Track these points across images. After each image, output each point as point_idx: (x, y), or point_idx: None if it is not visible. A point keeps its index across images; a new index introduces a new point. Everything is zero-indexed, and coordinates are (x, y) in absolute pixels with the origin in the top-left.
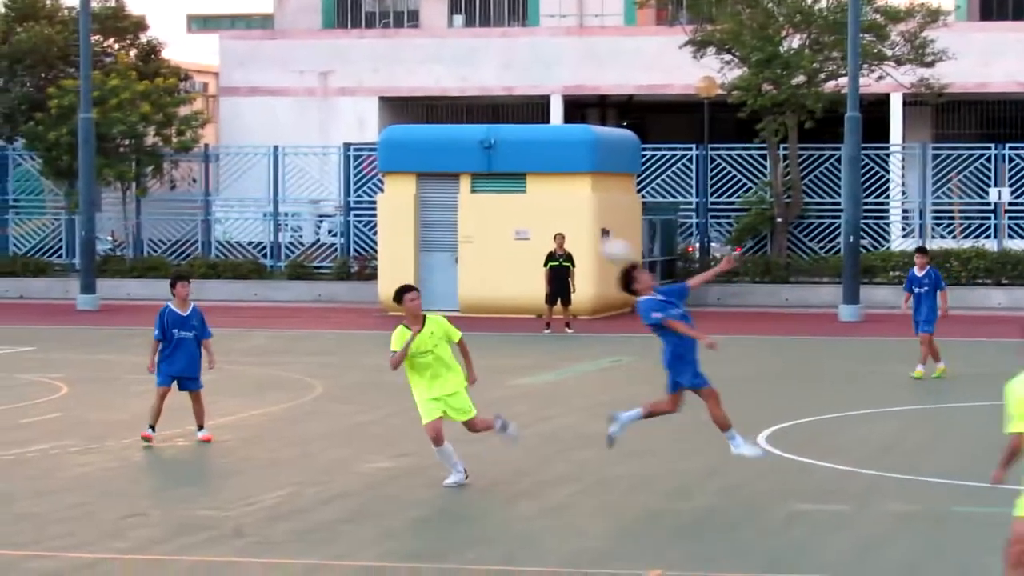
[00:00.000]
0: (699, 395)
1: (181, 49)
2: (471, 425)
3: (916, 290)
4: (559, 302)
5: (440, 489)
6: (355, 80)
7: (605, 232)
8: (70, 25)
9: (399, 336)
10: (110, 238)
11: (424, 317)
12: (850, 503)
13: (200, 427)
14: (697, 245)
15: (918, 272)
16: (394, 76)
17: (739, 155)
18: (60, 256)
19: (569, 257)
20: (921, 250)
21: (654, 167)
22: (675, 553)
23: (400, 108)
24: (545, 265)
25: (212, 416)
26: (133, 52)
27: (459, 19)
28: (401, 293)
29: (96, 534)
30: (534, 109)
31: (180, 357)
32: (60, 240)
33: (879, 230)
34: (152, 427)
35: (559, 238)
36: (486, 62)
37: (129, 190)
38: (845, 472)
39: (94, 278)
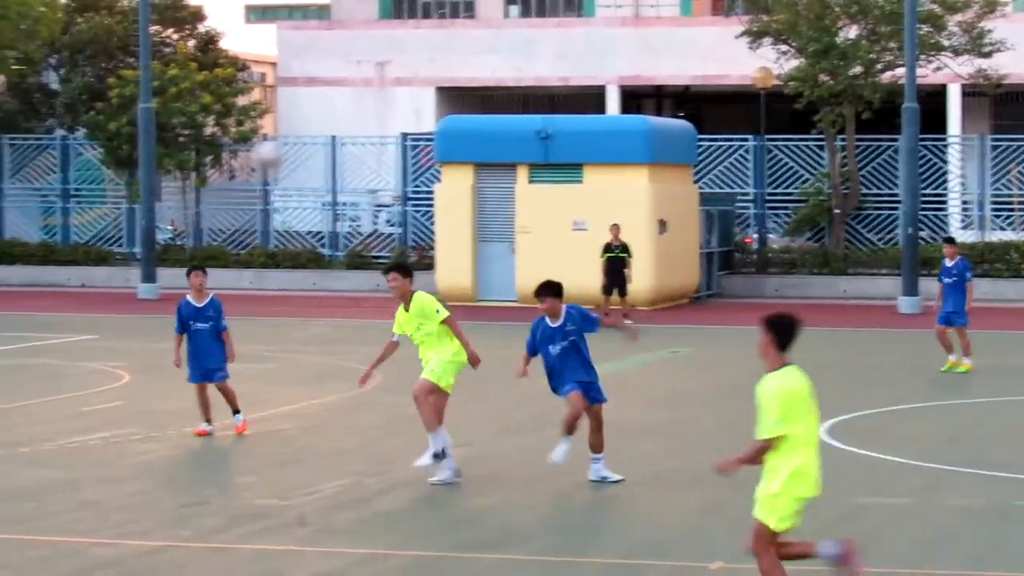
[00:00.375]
0: (567, 398)
1: (238, 39)
2: (419, 390)
3: (945, 280)
4: (616, 293)
5: (500, 479)
6: (412, 70)
7: (614, 227)
8: (129, 15)
9: (396, 318)
10: (170, 227)
11: (411, 295)
12: (913, 496)
13: (235, 411)
14: (755, 236)
15: (948, 263)
16: (450, 66)
17: (796, 146)
18: (121, 245)
19: (625, 247)
20: (949, 240)
21: (711, 158)
22: (737, 545)
23: (456, 98)
24: (602, 256)
25: (273, 405)
26: (191, 42)
27: (515, 9)
28: (384, 274)
29: (158, 522)
30: (590, 99)
31: (201, 352)
32: (121, 229)
33: (938, 222)
34: (208, 421)
35: (614, 229)
36: (542, 52)
37: (189, 180)
38: (907, 465)
39: (154, 267)
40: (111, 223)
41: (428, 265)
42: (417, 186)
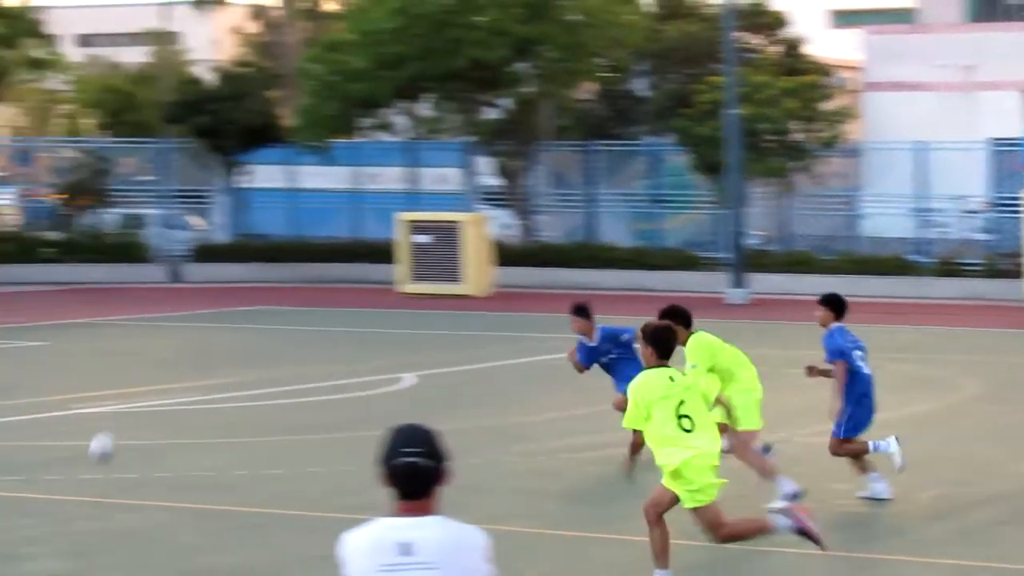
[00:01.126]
0: None
1: (823, 44)
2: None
3: None
4: None
5: None
6: (998, 74)
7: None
8: (714, 21)
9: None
10: (759, 233)
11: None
12: None
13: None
14: None
15: None
16: None
17: None
18: (711, 250)
19: None
20: None
21: None
22: None
23: None
24: None
25: None
26: (776, 48)
27: None
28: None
29: None
30: None
31: (617, 376)
32: (711, 234)
33: None
34: None
35: None
36: None
37: (777, 186)
38: None
39: (743, 272)
40: (700, 228)
41: (1016, 273)
42: (1007, 193)
